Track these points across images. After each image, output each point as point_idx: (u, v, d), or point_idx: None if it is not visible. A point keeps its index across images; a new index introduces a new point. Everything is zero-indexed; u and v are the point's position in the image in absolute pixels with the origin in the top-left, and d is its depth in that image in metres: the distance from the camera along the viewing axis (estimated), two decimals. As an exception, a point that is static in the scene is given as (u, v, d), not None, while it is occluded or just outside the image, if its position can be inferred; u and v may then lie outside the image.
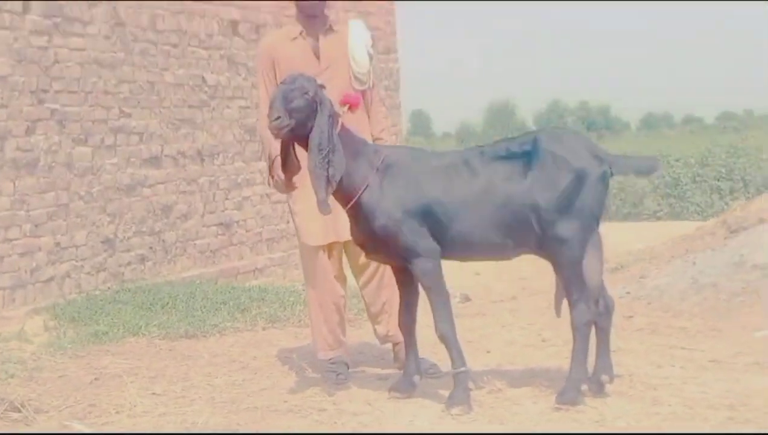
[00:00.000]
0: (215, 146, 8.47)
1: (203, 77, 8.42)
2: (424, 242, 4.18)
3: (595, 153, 4.22)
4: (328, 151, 4.10)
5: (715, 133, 35.27)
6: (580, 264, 4.17)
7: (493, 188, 4.18)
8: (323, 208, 4.13)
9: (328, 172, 4.10)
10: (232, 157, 8.66)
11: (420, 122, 62.78)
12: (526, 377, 4.62)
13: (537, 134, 4.29)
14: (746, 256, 6.81)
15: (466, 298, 7.44)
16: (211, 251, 8.29)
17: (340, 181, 4.15)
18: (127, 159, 7.58)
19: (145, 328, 5.89)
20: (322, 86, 4.20)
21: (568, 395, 4.14)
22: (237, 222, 8.61)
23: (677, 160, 20.18)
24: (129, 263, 7.47)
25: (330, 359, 4.78)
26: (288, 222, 9.17)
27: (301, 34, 4.80)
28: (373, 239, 4.25)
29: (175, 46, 8.15)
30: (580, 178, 4.13)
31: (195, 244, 8.13)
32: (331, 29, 4.84)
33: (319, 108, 4.11)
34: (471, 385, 4.20)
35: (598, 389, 4.29)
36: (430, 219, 4.19)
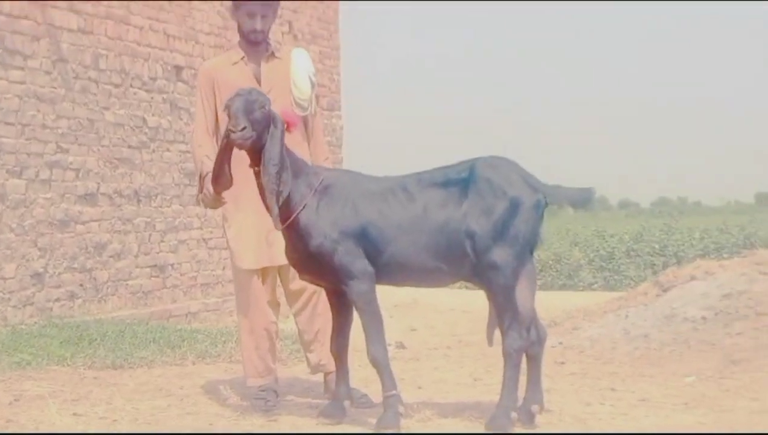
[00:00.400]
0: (153, 188, 8.40)
1: (144, 118, 8.39)
2: (360, 264, 4.17)
3: (530, 182, 4.26)
4: (281, 168, 4.10)
5: (650, 217, 36.01)
6: (513, 291, 4.18)
7: (429, 214, 4.20)
8: (277, 223, 4.11)
9: (278, 188, 4.08)
10: (170, 200, 8.59)
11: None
12: (457, 410, 4.58)
13: (474, 162, 4.33)
14: (677, 310, 6.90)
15: (401, 346, 7.42)
16: (143, 292, 8.16)
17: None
18: (61, 194, 7.48)
19: (71, 358, 5.74)
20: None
21: (498, 422, 4.11)
22: (172, 265, 8.51)
23: (612, 236, 20.55)
24: (58, 299, 7.32)
25: (260, 386, 4.70)
26: (224, 268, 9.09)
27: (242, 59, 4.81)
28: (308, 259, 4.23)
29: (117, 86, 8.13)
30: (514, 206, 4.16)
31: (127, 284, 8.00)
32: (273, 56, 4.86)
33: (272, 123, 4.11)
34: (401, 409, 4.15)
35: (528, 419, 4.26)
36: (366, 241, 4.18)
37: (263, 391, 4.67)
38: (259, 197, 4.23)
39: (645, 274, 17.81)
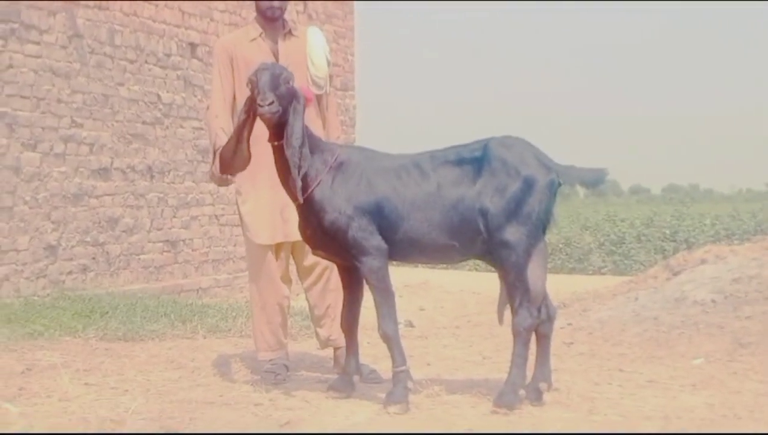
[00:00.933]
0: (166, 164, 8.44)
1: (158, 95, 8.42)
2: (373, 240, 4.19)
3: (543, 161, 4.27)
4: (303, 142, 4.12)
5: (661, 203, 35.94)
6: (525, 270, 4.19)
7: (443, 191, 4.21)
8: (300, 196, 4.13)
9: (301, 162, 4.11)
10: (183, 176, 8.62)
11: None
12: (466, 386, 4.61)
13: (487, 141, 4.34)
14: (687, 293, 6.91)
15: (410, 324, 7.45)
16: (155, 267, 8.21)
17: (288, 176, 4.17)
18: (75, 168, 7.52)
19: (83, 330, 5.79)
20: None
21: (505, 398, 4.14)
22: (183, 240, 8.56)
23: (623, 221, 20.52)
24: (70, 272, 7.37)
25: (270, 360, 4.74)
26: (235, 244, 9.14)
27: (260, 35, 4.83)
28: (322, 235, 4.25)
29: (132, 62, 8.16)
30: (528, 185, 4.17)
31: (139, 258, 8.05)
32: (290, 33, 4.87)
33: (295, 98, 4.13)
34: (410, 384, 4.18)
35: (536, 397, 4.28)
36: (379, 217, 4.20)
37: (274, 364, 4.71)
38: (274, 173, 4.25)
39: (655, 259, 17.77)
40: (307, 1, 10.50)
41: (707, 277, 7.05)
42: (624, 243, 18.28)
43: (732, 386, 4.75)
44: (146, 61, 8.28)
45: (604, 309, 7.24)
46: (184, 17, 8.73)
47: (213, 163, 4.67)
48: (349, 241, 4.19)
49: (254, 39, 4.82)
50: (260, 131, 4.27)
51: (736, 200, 43.05)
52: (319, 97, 4.86)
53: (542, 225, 4.24)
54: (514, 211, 4.14)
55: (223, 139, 4.48)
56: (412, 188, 4.22)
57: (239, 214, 4.89)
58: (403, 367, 4.18)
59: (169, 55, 8.55)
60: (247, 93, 4.26)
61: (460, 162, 4.26)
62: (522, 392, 4.19)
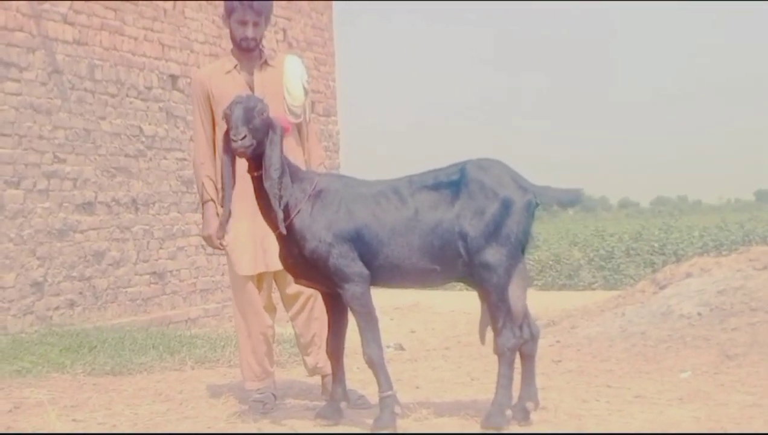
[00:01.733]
0: (151, 196, 8.45)
1: (141, 127, 8.45)
2: (354, 266, 4.20)
3: (520, 183, 4.30)
4: (282, 172, 4.14)
5: (650, 216, 36.05)
6: (506, 290, 4.21)
7: (422, 216, 4.23)
8: (282, 226, 4.14)
9: (280, 192, 4.13)
10: (168, 208, 8.64)
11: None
12: (454, 408, 4.61)
13: (464, 164, 4.37)
14: (673, 306, 6.94)
15: (400, 347, 7.47)
16: (142, 299, 8.21)
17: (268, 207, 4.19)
18: (59, 204, 7.53)
19: (71, 366, 5.78)
20: None
21: (493, 420, 4.14)
22: (170, 271, 8.56)
23: (612, 235, 20.59)
24: (58, 307, 7.36)
25: (257, 389, 4.73)
26: (223, 274, 9.14)
27: (235, 67, 4.82)
28: (303, 264, 4.27)
29: (113, 96, 8.19)
30: (506, 207, 4.20)
31: (126, 291, 8.05)
32: (266, 63, 4.87)
33: (271, 129, 4.15)
34: (397, 409, 4.18)
35: (524, 416, 4.29)
36: (360, 244, 4.22)
37: (261, 394, 4.71)
38: (254, 203, 4.27)
39: (645, 273, 17.79)
40: (286, 30, 10.57)
41: (693, 290, 7.09)
42: (613, 258, 18.33)
43: (719, 399, 4.78)
44: (127, 95, 8.31)
45: (592, 325, 7.26)
46: (164, 50, 8.77)
47: (203, 222, 4.66)
48: (331, 269, 4.20)
49: (229, 71, 4.79)
50: (239, 162, 4.29)
51: (724, 211, 43.29)
52: (298, 126, 4.87)
53: (521, 245, 4.27)
54: (493, 232, 4.17)
55: (210, 192, 4.57)
56: (391, 214, 4.23)
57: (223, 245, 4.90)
58: (389, 392, 4.19)
59: (150, 88, 8.59)
60: (220, 126, 4.29)
61: (437, 186, 4.28)
62: (509, 413, 4.19)
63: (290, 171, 4.29)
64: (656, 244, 18.81)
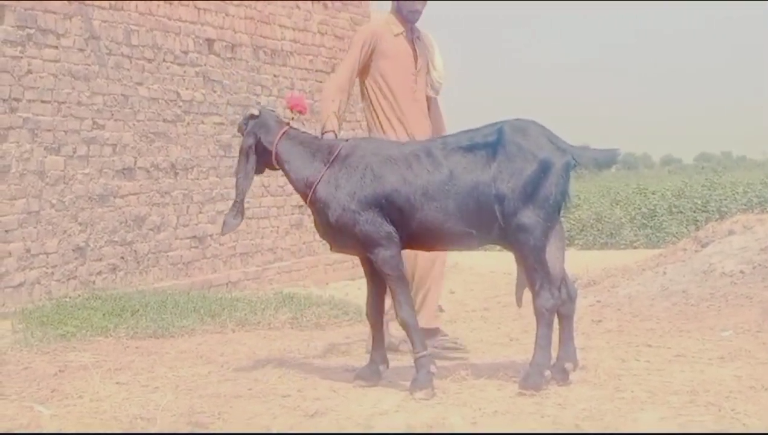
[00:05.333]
0: (189, 160, 8.49)
1: (178, 92, 8.46)
2: (382, 231, 4.20)
3: (557, 144, 4.26)
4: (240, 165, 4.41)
5: (693, 173, 35.57)
6: (543, 252, 4.19)
7: (457, 179, 4.20)
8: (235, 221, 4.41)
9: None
10: (207, 172, 8.68)
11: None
12: (492, 369, 4.62)
13: (501, 125, 4.32)
14: (715, 265, 6.87)
15: (440, 309, 7.44)
16: (183, 263, 8.28)
17: (293, 181, 4.39)
18: (99, 169, 7.59)
19: (114, 329, 5.86)
20: (252, 116, 4.44)
21: (531, 380, 4.14)
22: (211, 235, 8.62)
23: (654, 193, 20.35)
24: (100, 272, 7.45)
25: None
26: (262, 237, 9.19)
27: (402, 33, 5.20)
28: (333, 232, 4.29)
29: (149, 60, 8.20)
30: (544, 168, 4.16)
31: (168, 255, 8.12)
32: (419, 37, 5.25)
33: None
34: (433, 368, 4.20)
35: (562, 377, 4.29)
36: (390, 209, 4.21)
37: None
38: None
39: (687, 231, 17.60)
40: (322, -10, 10.50)
41: (735, 248, 7.01)
42: (655, 216, 18.13)
43: (761, 357, 4.74)
44: (164, 60, 8.32)
45: (632, 284, 7.22)
46: (199, 13, 8.76)
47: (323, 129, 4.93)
48: (358, 235, 4.22)
49: (397, 35, 5.19)
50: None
51: (769, 167, 42.56)
52: (428, 99, 5.26)
53: (558, 206, 4.24)
54: (531, 194, 4.13)
55: (333, 125, 4.88)
56: (423, 177, 4.21)
57: None
58: (424, 353, 4.20)
59: (186, 53, 8.59)
60: (375, 80, 5.06)
61: (473, 147, 4.24)
62: (548, 373, 4.19)
63: (306, 143, 4.36)
64: (699, 202, 18.55)
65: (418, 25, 5.27)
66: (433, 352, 4.58)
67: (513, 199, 4.13)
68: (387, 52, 5.12)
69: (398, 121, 5.15)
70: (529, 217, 4.13)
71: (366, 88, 5.20)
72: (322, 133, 4.88)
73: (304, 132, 4.50)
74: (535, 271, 4.18)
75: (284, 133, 4.39)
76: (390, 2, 5.32)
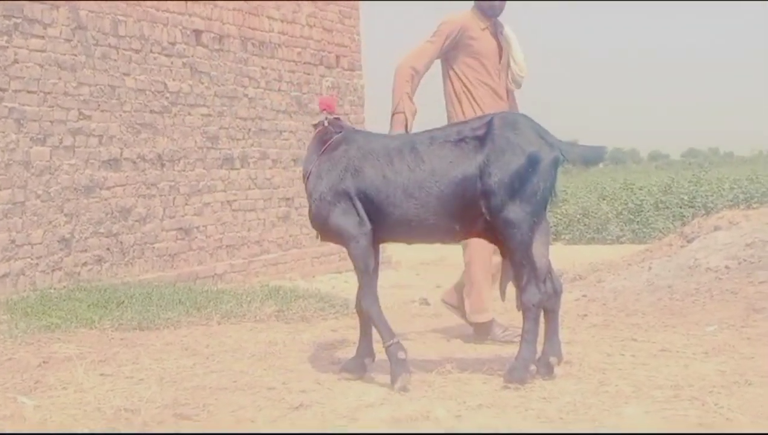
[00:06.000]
0: (176, 152, 8.46)
1: (165, 83, 8.43)
2: (355, 224, 4.20)
3: (547, 139, 4.24)
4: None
5: (681, 168, 35.68)
6: (530, 247, 4.18)
7: (441, 173, 4.18)
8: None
9: None
10: (193, 164, 8.65)
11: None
12: (477, 363, 4.63)
13: (490, 118, 4.31)
14: (701, 260, 6.90)
15: (425, 302, 7.47)
16: (169, 255, 8.26)
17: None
18: (85, 160, 7.56)
19: (98, 321, 5.83)
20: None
21: (516, 374, 4.15)
22: (197, 227, 8.60)
23: (641, 188, 20.41)
24: (85, 263, 7.43)
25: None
26: (249, 229, 9.18)
27: (487, 27, 5.33)
28: (314, 220, 4.31)
29: (137, 51, 8.17)
30: (532, 163, 4.14)
31: (153, 247, 8.10)
32: (501, 32, 5.36)
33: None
34: (401, 355, 4.17)
35: (547, 371, 4.30)
36: (367, 203, 4.20)
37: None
38: None
39: (674, 226, 17.66)
40: (311, -18, 10.48)
41: (720, 244, 7.03)
42: (642, 211, 18.17)
43: (745, 352, 4.75)
44: (151, 51, 8.29)
45: (618, 279, 7.23)
46: (187, 5, 8.73)
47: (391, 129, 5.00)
48: (332, 226, 4.22)
49: (483, 29, 5.31)
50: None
51: (756, 163, 42.72)
52: (509, 94, 5.42)
53: (545, 202, 4.23)
54: (518, 189, 4.12)
55: (406, 106, 4.98)
56: (404, 174, 4.18)
57: None
58: (391, 341, 4.17)
59: (174, 44, 8.56)
60: (458, 72, 5.23)
61: (461, 141, 4.22)
62: (533, 367, 4.20)
63: (317, 137, 4.42)
64: (686, 197, 18.62)
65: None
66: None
67: (500, 194, 4.11)
68: (472, 46, 5.27)
69: (480, 111, 5.23)
70: (516, 212, 4.12)
71: (449, 78, 5.34)
72: (394, 114, 5.01)
73: (332, 128, 4.44)
74: (521, 266, 4.18)
75: (317, 132, 4.47)
76: None
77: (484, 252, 5.24)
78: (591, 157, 4.51)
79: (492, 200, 4.12)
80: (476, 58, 5.29)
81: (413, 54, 5.21)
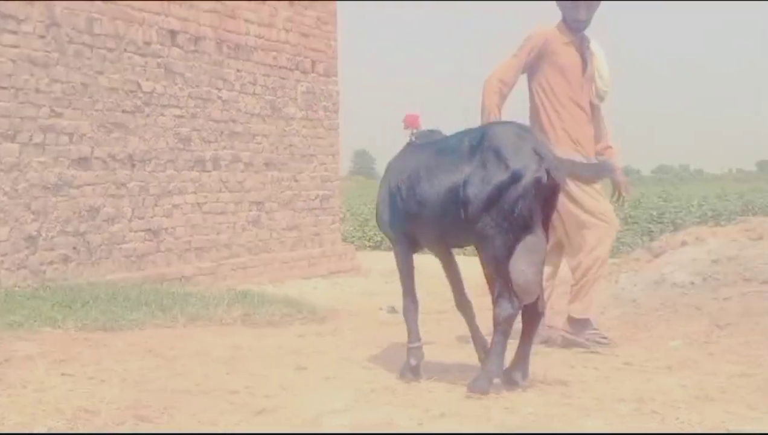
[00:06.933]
0: (147, 152, 8.42)
1: (138, 83, 8.39)
2: (394, 231, 4.59)
3: (541, 153, 4.11)
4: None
5: (651, 184, 35.93)
6: (504, 262, 4.10)
7: (437, 183, 4.28)
8: None
9: None
10: (164, 165, 8.61)
11: (363, 162, 63.18)
12: (442, 371, 4.65)
13: (486, 129, 4.31)
14: (667, 275, 6.95)
15: (393, 310, 7.46)
16: (137, 256, 8.20)
17: None
18: (55, 158, 7.50)
19: (62, 320, 5.78)
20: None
21: (479, 384, 4.15)
22: (166, 229, 8.55)
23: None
24: (51, 262, 7.36)
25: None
26: (218, 232, 9.14)
27: (572, 42, 5.41)
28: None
29: (111, 50, 8.12)
30: (514, 179, 4.06)
31: (121, 248, 8.04)
32: (587, 46, 5.44)
33: None
34: (413, 361, 4.55)
35: (512, 385, 4.30)
36: (397, 209, 4.51)
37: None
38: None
39: (642, 241, 17.77)
40: (288, -13, 10.46)
41: (687, 259, 7.09)
42: (611, 225, 18.25)
43: (707, 368, 4.79)
44: (125, 50, 8.24)
45: (584, 292, 7.25)
46: (163, 4, 8.69)
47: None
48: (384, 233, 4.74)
49: (566, 43, 5.40)
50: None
51: (725, 180, 43.17)
52: (592, 106, 5.50)
53: (524, 219, 4.09)
54: (495, 203, 4.07)
55: (497, 115, 5.14)
56: (421, 186, 4.36)
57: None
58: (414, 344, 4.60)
59: (149, 43, 8.52)
60: (542, 85, 5.36)
61: (460, 150, 4.25)
62: (497, 380, 4.19)
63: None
64: (655, 213, 18.76)
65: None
66: (584, 344, 5.28)
67: (475, 205, 4.09)
68: (557, 60, 5.36)
69: (562, 126, 5.40)
70: (490, 226, 4.08)
71: (533, 91, 5.45)
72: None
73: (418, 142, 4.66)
74: (493, 280, 4.14)
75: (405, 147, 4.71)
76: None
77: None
78: (587, 175, 4.49)
79: (468, 210, 4.11)
80: (560, 71, 5.39)
81: (499, 68, 5.37)
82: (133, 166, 8.25)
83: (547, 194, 4.15)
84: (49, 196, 7.40)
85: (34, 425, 3.57)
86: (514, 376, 4.31)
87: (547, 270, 5.29)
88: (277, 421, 3.72)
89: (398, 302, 7.95)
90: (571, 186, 5.05)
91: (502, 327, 4.16)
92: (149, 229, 8.38)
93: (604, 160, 4.55)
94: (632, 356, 5.13)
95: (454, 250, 4.77)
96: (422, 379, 4.47)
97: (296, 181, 10.36)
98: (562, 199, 4.94)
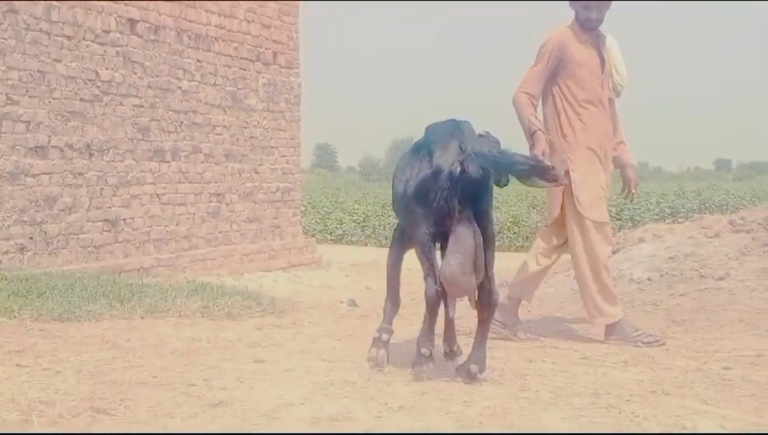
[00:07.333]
0: (105, 142, 8.33)
1: (97, 72, 8.30)
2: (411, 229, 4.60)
3: (466, 149, 4.19)
4: None
5: (610, 182, 36.17)
6: (426, 246, 4.39)
7: (403, 176, 4.49)
8: None
9: None
10: (123, 155, 8.53)
11: (326, 155, 63.10)
12: (400, 365, 4.64)
13: (431, 126, 4.45)
14: (624, 271, 7.02)
15: (353, 303, 7.49)
16: (94, 247, 8.12)
17: None
18: (12, 146, 7.40)
19: (18, 311, 5.70)
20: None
21: (414, 363, 4.41)
22: (124, 219, 8.47)
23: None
24: (7, 252, 7.26)
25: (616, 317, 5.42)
26: (177, 224, 9.07)
27: (588, 40, 5.40)
28: None
29: (69, 38, 8.03)
30: (435, 173, 4.26)
31: (78, 238, 7.96)
32: (603, 43, 5.44)
33: None
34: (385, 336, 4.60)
35: (469, 378, 4.33)
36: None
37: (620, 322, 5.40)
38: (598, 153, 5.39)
39: (601, 237, 17.94)
40: (251, -22, 10.41)
41: (644, 256, 7.17)
42: (571, 221, 18.41)
43: (663, 363, 4.84)
44: (84, 38, 8.14)
45: (544, 287, 7.31)
46: (123, -7, 8.61)
47: (536, 148, 5.13)
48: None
49: (583, 42, 5.39)
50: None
51: (683, 179, 43.70)
52: (610, 102, 5.53)
53: (442, 212, 4.26)
54: (420, 196, 4.31)
55: (536, 125, 5.16)
56: (395, 180, 4.56)
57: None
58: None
59: (107, 32, 8.43)
60: (562, 86, 5.33)
61: (422, 148, 4.43)
62: (425, 350, 4.37)
63: None
64: (613, 210, 18.93)
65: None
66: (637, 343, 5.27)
67: (407, 198, 4.38)
68: (575, 60, 5.36)
69: (582, 125, 5.38)
70: (417, 213, 4.34)
71: (551, 93, 5.42)
72: (532, 134, 5.19)
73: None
74: (420, 262, 4.46)
75: None
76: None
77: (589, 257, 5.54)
78: (524, 172, 4.46)
79: (403, 202, 4.44)
80: (579, 71, 5.39)
81: (523, 82, 5.38)
82: (91, 155, 8.16)
83: (471, 187, 4.23)
84: (5, 185, 7.30)
85: (-13, 416, 3.52)
86: (472, 368, 4.34)
87: (544, 262, 5.78)
88: (234, 414, 3.69)
89: (359, 296, 8.04)
90: (577, 192, 5.35)
91: (428, 305, 4.44)
92: (107, 220, 8.30)
93: (535, 157, 4.55)
94: (589, 350, 5.18)
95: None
96: (378, 373, 4.47)
97: (257, 172, 10.32)
98: (567, 203, 5.37)
